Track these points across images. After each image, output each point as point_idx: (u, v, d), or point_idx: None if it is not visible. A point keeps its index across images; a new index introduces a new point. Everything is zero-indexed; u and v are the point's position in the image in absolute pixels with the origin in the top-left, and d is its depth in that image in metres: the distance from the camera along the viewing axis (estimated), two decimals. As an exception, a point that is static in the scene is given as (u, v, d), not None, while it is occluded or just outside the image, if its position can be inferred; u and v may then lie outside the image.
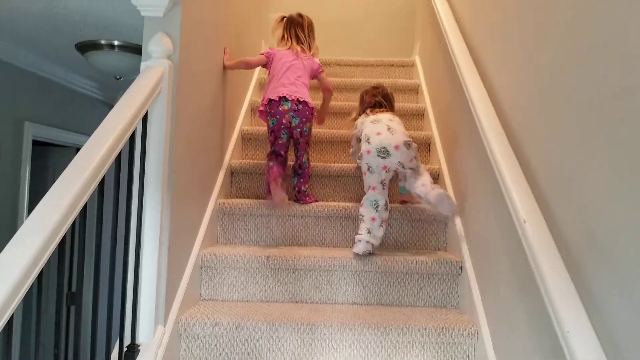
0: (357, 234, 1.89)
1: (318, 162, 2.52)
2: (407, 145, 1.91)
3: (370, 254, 1.84)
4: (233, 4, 2.35)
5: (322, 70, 2.33)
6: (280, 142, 2.15)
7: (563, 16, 1.14)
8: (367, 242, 1.84)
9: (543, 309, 0.99)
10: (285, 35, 2.32)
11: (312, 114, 2.20)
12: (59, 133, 3.17)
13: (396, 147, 1.90)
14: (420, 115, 2.79)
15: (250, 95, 2.78)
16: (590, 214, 0.96)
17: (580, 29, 1.05)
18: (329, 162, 2.52)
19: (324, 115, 2.44)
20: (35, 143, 3.08)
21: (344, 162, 2.52)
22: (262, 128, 2.54)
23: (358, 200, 2.28)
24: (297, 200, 2.17)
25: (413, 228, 2.07)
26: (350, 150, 2.34)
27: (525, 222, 1.10)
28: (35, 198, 2.90)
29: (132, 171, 1.45)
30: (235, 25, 2.43)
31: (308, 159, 2.23)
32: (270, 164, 2.10)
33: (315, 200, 2.18)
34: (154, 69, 1.49)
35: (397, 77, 3.24)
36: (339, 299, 1.80)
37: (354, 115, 2.31)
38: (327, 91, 2.36)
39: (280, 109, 2.12)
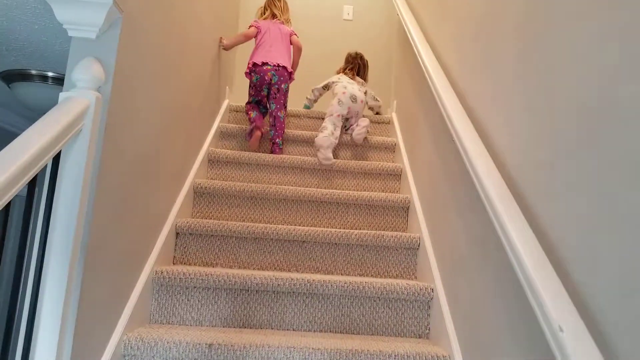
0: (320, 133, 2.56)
1: (282, 223, 2.19)
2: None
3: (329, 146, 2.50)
4: (194, 43, 2.08)
5: (295, 34, 2.86)
6: (261, 94, 2.68)
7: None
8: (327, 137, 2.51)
9: None
10: (266, 12, 2.92)
11: (289, 76, 2.71)
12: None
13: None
14: (397, 175, 2.52)
15: (208, 145, 2.45)
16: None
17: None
18: (294, 224, 2.20)
19: (293, 69, 2.84)
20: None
21: (311, 225, 2.20)
22: (219, 182, 2.22)
23: (326, 271, 1.96)
24: (271, 152, 2.59)
25: (390, 309, 1.73)
26: (315, 87, 3.01)
27: (562, 330, 0.78)
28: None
29: (27, 231, 1.09)
30: (197, 66, 2.15)
31: (284, 115, 2.66)
32: (252, 114, 2.65)
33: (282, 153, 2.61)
34: (75, 101, 1.16)
35: (373, 134, 3.00)
36: (298, 403, 1.42)
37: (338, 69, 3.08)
38: (298, 50, 2.86)
39: (264, 68, 2.63)
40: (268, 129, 2.66)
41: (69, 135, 1.13)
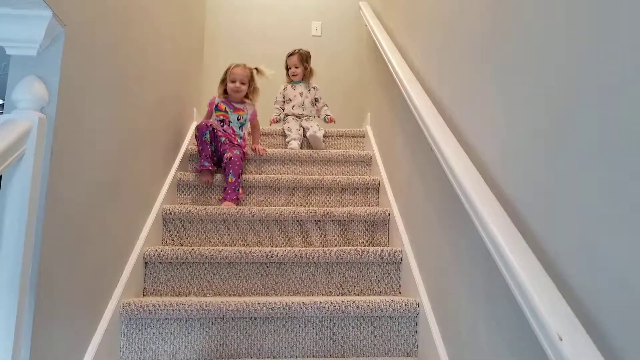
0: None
1: (258, 245, 2.09)
2: None
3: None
4: (156, 62, 1.99)
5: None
6: None
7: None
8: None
9: None
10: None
11: None
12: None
13: None
14: (375, 188, 2.45)
15: (176, 168, 2.34)
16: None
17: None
18: (270, 245, 2.09)
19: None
20: None
21: (289, 245, 2.10)
22: (188, 206, 2.11)
23: (306, 293, 1.86)
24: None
25: (375, 328, 1.63)
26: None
27: (561, 339, 0.70)
28: None
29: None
30: (160, 86, 2.06)
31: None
32: None
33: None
34: (15, 123, 1.07)
35: (348, 147, 2.94)
36: None
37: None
38: None
39: None
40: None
41: (9, 160, 1.03)
